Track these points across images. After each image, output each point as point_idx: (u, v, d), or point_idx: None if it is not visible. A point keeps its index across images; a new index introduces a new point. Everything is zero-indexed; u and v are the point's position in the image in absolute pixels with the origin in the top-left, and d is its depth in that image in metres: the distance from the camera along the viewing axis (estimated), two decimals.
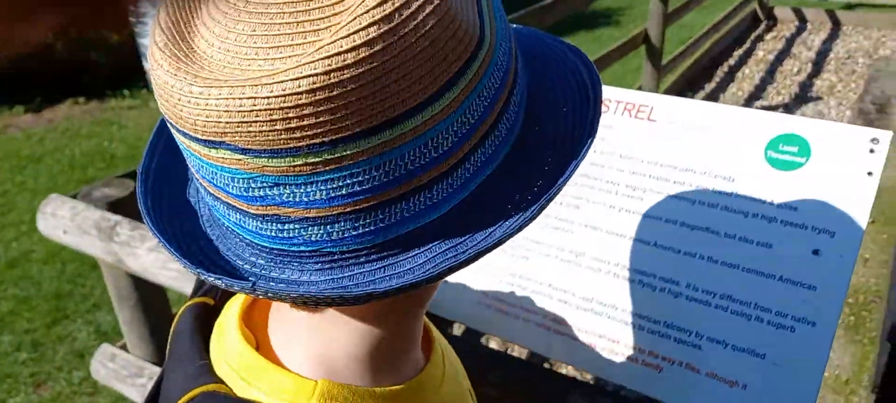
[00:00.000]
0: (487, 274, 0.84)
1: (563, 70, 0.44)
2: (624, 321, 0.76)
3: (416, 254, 0.35)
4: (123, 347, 1.50)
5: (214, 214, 0.39)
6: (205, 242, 0.40)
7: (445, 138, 0.34)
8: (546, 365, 1.06)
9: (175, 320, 0.52)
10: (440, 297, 0.85)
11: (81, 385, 2.41)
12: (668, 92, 4.07)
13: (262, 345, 0.45)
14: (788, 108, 3.99)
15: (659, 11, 3.54)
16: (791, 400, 0.66)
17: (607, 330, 0.76)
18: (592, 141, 0.38)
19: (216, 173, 0.34)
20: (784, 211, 0.72)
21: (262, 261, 0.37)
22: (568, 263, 0.80)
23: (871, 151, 0.70)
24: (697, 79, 4.54)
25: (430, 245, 0.35)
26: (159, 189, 0.43)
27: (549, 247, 0.82)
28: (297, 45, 0.31)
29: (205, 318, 0.49)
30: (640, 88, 3.70)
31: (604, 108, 0.85)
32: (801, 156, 0.73)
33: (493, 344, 1.61)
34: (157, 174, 0.44)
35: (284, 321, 0.44)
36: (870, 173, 0.70)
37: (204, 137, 0.32)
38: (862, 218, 0.68)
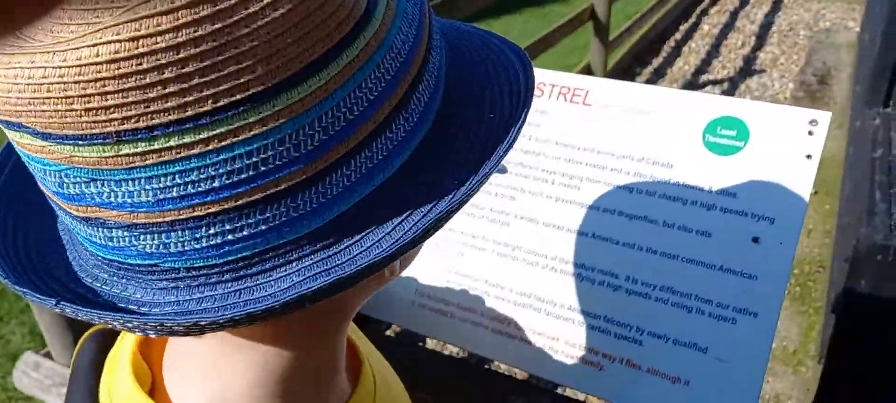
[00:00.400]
0: (421, 271, 0.80)
1: (497, 65, 0.38)
2: (563, 317, 0.72)
3: (282, 276, 0.29)
4: (48, 355, 1.41)
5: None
6: (51, 246, 0.34)
7: (309, 135, 0.27)
8: (485, 366, 1.02)
9: (75, 351, 0.45)
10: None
11: (17, 390, 2.29)
12: (617, 67, 4.08)
13: (157, 385, 0.38)
14: (734, 82, 4.04)
15: None
16: (734, 395, 0.64)
17: (546, 328, 0.73)
18: (505, 151, 0.33)
19: (30, 163, 0.28)
20: (723, 198, 0.69)
21: (104, 275, 0.31)
22: (504, 257, 0.76)
23: (810, 133, 0.68)
24: (645, 54, 4.56)
25: (299, 265, 0.29)
26: (12, 180, 0.37)
27: (485, 241, 0.78)
28: (115, 7, 0.25)
29: (108, 348, 0.43)
30: (588, 65, 3.69)
31: (538, 93, 0.81)
32: (739, 140, 0.70)
33: (430, 344, 1.57)
34: (15, 167, 0.37)
35: (178, 352, 0.38)
36: (809, 156, 0.67)
37: (2, 117, 0.26)
38: (801, 202, 0.66)
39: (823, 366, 1.63)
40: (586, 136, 0.77)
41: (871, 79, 2.34)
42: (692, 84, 4.10)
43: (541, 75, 0.82)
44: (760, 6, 5.45)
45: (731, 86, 3.99)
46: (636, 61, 4.45)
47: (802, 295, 2.16)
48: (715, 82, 4.09)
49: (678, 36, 4.88)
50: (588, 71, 3.71)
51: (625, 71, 4.27)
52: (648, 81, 4.17)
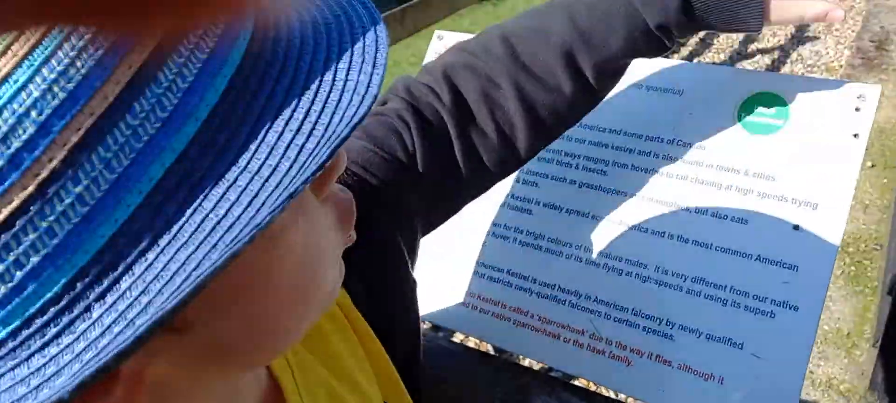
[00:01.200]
0: (442, 262, 0.77)
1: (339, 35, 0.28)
2: (589, 309, 0.69)
3: None
4: None
5: None
6: None
7: None
8: (506, 357, 1.00)
9: None
10: None
11: None
12: None
13: None
14: (784, 50, 3.86)
15: None
16: (772, 394, 0.59)
17: (571, 320, 0.69)
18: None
19: None
20: (761, 182, 0.64)
21: None
22: (527, 247, 0.73)
23: (857, 109, 0.62)
24: None
25: None
26: None
27: (507, 230, 0.74)
28: None
29: None
30: None
31: None
32: (778, 119, 0.65)
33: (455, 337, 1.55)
34: None
35: None
36: (856, 135, 0.62)
37: None
38: (848, 186, 0.61)
39: (879, 350, 1.55)
40: (613, 118, 0.72)
41: None
42: (740, 53, 3.94)
43: None
44: None
45: (783, 55, 3.81)
46: None
47: (857, 275, 2.05)
48: (764, 51, 3.91)
49: None
50: None
51: None
52: (692, 53, 4.03)
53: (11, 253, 0.21)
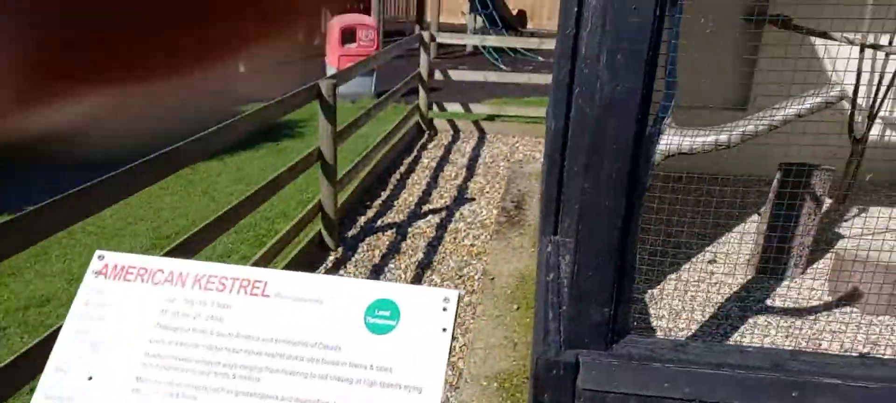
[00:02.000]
0: None
1: None
2: None
3: None
4: None
5: None
6: None
7: None
8: None
9: None
10: None
11: None
12: (347, 202, 4.31)
13: None
14: (451, 210, 4.52)
15: (328, 131, 3.77)
16: None
17: None
18: None
19: None
20: (382, 374, 0.81)
21: None
22: None
23: (444, 309, 0.84)
24: (374, 187, 4.89)
25: None
26: None
27: None
28: None
29: None
30: (319, 202, 3.84)
31: (220, 287, 0.87)
32: (392, 320, 0.84)
33: None
34: None
35: None
36: (444, 329, 0.83)
37: None
38: (440, 371, 0.80)
39: None
40: (266, 327, 0.84)
41: (542, 209, 2.81)
42: (416, 213, 4.48)
43: (220, 269, 0.88)
44: (469, 141, 6.22)
45: (449, 214, 4.44)
46: (367, 194, 4.74)
47: None
48: (435, 211, 4.51)
49: (403, 169, 5.34)
50: (319, 208, 3.86)
51: (357, 204, 4.53)
52: (378, 213, 4.46)
53: None
